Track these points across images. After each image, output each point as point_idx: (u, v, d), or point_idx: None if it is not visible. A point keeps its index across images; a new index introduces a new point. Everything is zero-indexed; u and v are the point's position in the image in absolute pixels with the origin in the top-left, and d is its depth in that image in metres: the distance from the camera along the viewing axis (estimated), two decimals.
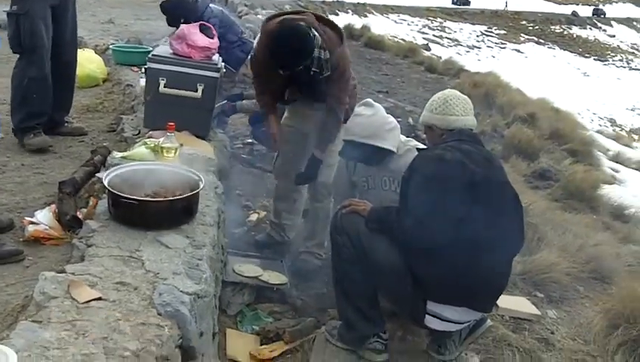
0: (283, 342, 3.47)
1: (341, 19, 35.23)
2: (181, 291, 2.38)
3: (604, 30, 69.63)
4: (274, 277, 3.97)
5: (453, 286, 3.04)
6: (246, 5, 16.91)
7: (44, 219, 3.34)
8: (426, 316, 3.13)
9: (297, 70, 3.81)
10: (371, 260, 3.17)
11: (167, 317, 2.23)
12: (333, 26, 4.05)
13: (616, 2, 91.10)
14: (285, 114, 4.46)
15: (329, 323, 3.57)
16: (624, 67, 55.97)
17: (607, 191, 8.39)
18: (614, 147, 13.46)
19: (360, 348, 3.36)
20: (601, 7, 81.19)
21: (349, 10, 47.82)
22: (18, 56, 4.77)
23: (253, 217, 5.04)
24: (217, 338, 3.16)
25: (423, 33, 48.72)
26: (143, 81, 5.65)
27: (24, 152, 4.68)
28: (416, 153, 3.48)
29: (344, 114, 4.10)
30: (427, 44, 35.99)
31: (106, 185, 2.87)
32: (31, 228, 3.30)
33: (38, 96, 4.74)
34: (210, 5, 6.47)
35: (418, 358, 3.48)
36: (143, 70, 5.93)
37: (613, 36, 67.82)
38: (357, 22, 24.76)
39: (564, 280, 4.82)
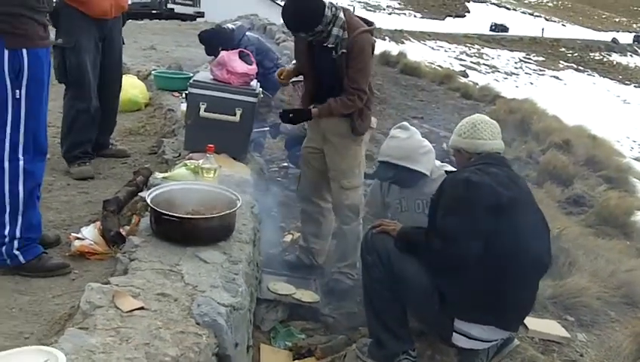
0: (314, 358, 3.58)
1: (378, 46, 35.46)
2: (218, 303, 2.51)
3: None
4: (307, 296, 4.08)
5: (480, 305, 3.13)
6: (284, 32, 17.10)
7: (89, 235, 3.50)
8: (454, 334, 3.22)
9: (306, 36, 4.03)
10: (400, 279, 3.27)
11: (205, 327, 2.36)
12: (367, 21, 4.22)
13: None
14: (307, 135, 4.63)
15: (360, 340, 3.65)
16: None
17: None
18: None
19: None
20: None
21: (387, 37, 48.09)
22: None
23: (288, 238, 5.16)
24: (251, 353, 3.28)
25: (460, 60, 48.73)
26: (183, 106, 5.81)
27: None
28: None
29: (362, 118, 4.24)
30: (464, 70, 36.05)
31: (149, 203, 3.03)
32: (77, 243, 3.45)
33: (84, 127, 4.90)
34: (247, 34, 6.67)
35: None
36: (184, 95, 6.12)
37: None
38: (394, 48, 24.83)
39: (595, 305, 4.81)
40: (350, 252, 4.50)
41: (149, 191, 3.20)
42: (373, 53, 4.20)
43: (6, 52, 2.93)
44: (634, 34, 78.80)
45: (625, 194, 9.26)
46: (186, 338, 2.24)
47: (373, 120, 4.58)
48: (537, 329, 4.21)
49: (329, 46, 4.03)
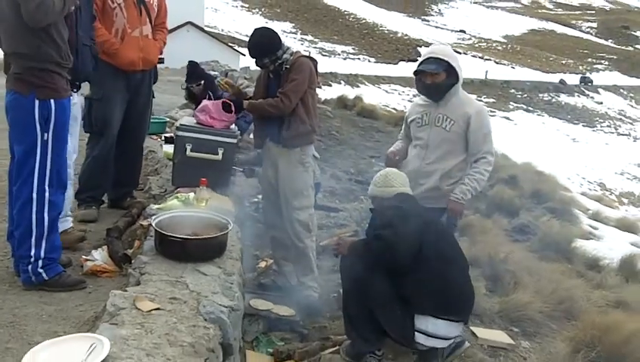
0: (294, 361, 4.13)
1: (334, 90, 36.29)
2: (220, 304, 3.08)
3: (592, 97, 71.23)
4: (283, 310, 4.64)
5: (433, 296, 3.77)
6: (246, 79, 17.71)
7: (99, 256, 4.05)
8: (415, 334, 3.83)
9: (264, 63, 4.79)
10: (367, 290, 3.86)
11: (211, 322, 2.92)
12: (313, 59, 5.03)
13: (603, 70, 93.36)
14: (262, 170, 5.31)
15: (344, 343, 4.19)
16: (612, 132, 57.26)
17: (583, 244, 8.93)
18: (595, 207, 14.07)
19: (359, 361, 4.03)
20: (588, 75, 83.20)
21: (342, 81, 49.13)
22: None
23: (262, 264, 5.73)
24: (239, 358, 3.81)
25: None
26: (165, 147, 6.36)
27: None
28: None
29: (302, 123, 4.87)
30: None
31: (154, 227, 3.59)
32: (89, 263, 4.00)
33: (95, 173, 5.22)
34: None
35: None
36: (163, 138, 6.66)
37: (601, 103, 69.38)
38: (350, 92, 25.70)
39: (538, 318, 5.37)
40: (309, 265, 5.10)
41: (154, 217, 3.74)
42: (310, 77, 4.87)
43: (37, 102, 3.50)
44: (580, 75, 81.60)
45: (567, 223, 9.95)
46: (197, 330, 2.79)
47: (316, 153, 5.27)
48: (485, 337, 4.79)
49: (278, 65, 4.79)
